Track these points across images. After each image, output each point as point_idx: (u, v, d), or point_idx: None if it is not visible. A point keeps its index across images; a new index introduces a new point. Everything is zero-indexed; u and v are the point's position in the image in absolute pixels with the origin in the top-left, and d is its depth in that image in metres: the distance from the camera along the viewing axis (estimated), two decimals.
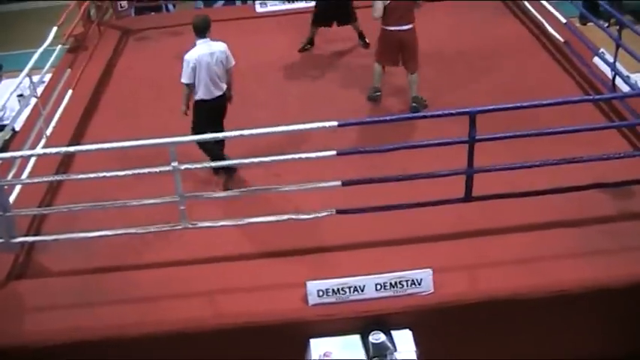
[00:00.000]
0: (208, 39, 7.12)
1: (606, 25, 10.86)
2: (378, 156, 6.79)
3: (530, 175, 6.59)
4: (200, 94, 7.15)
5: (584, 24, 11.53)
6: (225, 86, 7.26)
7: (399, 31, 8.22)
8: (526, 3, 10.41)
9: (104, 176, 6.26)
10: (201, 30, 7.10)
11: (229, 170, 7.21)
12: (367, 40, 9.83)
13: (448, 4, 11.16)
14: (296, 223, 6.38)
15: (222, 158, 7.06)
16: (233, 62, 7.26)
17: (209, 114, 7.22)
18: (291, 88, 9.24)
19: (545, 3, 9.84)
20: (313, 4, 11.12)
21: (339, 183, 6.39)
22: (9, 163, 7.05)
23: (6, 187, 6.40)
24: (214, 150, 7.17)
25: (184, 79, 7.12)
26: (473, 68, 9.22)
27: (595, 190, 6.60)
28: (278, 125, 6.32)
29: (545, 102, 6.62)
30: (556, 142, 6.72)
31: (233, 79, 7.39)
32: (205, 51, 7.04)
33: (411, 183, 6.47)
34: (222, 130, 7.13)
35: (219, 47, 7.12)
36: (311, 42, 10.01)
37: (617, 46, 7.92)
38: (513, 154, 6.71)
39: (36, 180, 7.05)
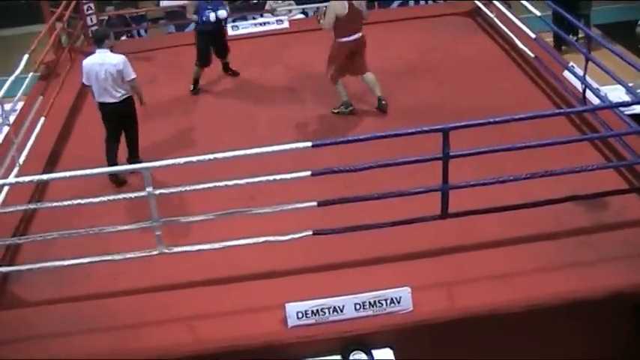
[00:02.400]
0: (107, 50, 7.58)
1: (574, 38, 11.00)
2: (353, 175, 6.78)
3: (505, 190, 6.61)
4: (95, 98, 7.78)
5: (560, 48, 11.64)
6: (120, 94, 7.65)
7: (356, 40, 8.59)
8: (495, 19, 10.50)
9: (78, 203, 6.20)
10: (98, 40, 7.67)
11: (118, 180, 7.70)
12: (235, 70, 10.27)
13: (418, 21, 11.28)
14: (273, 245, 6.36)
15: (114, 163, 7.69)
16: (131, 76, 7.62)
17: (108, 117, 7.81)
18: (258, 111, 9.24)
19: (514, 19, 9.93)
20: (286, 25, 11.23)
21: (314, 204, 6.38)
22: None
23: None
24: (108, 155, 7.80)
25: (83, 80, 7.83)
26: (445, 85, 9.28)
27: (570, 202, 6.65)
28: (250, 147, 6.31)
29: (517, 116, 6.65)
30: (530, 156, 6.76)
31: (138, 89, 7.81)
32: (97, 61, 7.57)
33: (387, 201, 6.48)
34: (131, 135, 7.93)
35: (111, 60, 7.53)
36: (197, 82, 9.98)
37: (587, 60, 8.00)
38: (488, 169, 6.74)
39: (9, 209, 6.96)
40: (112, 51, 7.67)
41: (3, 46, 14.38)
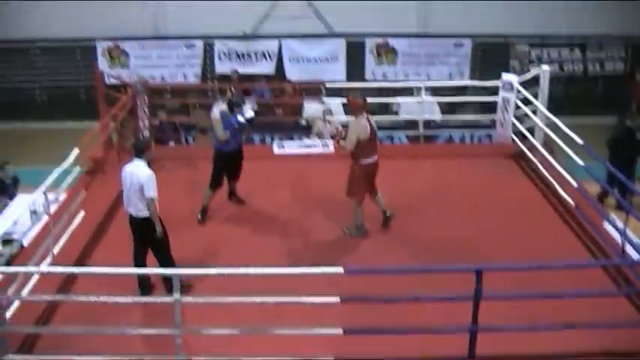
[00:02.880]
0: (142, 162, 7.50)
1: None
2: (381, 304, 6.72)
3: (535, 337, 6.46)
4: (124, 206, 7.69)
5: (603, 198, 11.59)
6: (138, 210, 7.45)
7: (377, 160, 8.71)
8: (538, 164, 10.57)
9: (104, 302, 6.21)
10: (137, 150, 7.59)
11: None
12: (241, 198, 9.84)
13: (462, 159, 11.40)
14: None
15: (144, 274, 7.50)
16: (150, 194, 7.37)
17: (132, 230, 7.64)
18: (295, 230, 9.27)
19: (556, 165, 9.98)
20: (331, 149, 11.38)
21: (340, 331, 6.30)
22: (11, 277, 7.01)
23: (4, 301, 6.36)
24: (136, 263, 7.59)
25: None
26: (482, 225, 9.25)
27: (602, 357, 6.45)
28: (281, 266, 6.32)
29: (553, 264, 6.61)
30: (563, 305, 6.64)
31: (154, 212, 7.41)
32: (130, 169, 7.51)
33: (414, 334, 6.37)
34: (157, 255, 7.59)
35: (139, 172, 7.42)
36: (206, 210, 9.45)
37: (627, 213, 7.96)
38: (519, 313, 6.62)
39: (35, 297, 7.00)
40: (149, 165, 7.56)
41: (58, 138, 14.78)
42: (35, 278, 7.35)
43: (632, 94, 18.93)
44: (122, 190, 7.62)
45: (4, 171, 12.40)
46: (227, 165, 9.31)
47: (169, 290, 7.08)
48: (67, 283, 7.72)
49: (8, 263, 7.69)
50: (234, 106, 9.04)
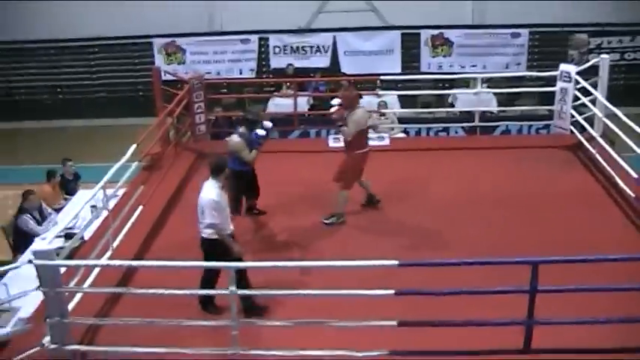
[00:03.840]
0: (214, 183, 7.09)
1: None
2: (436, 297, 6.70)
3: (593, 330, 6.37)
4: None
5: None
6: (202, 230, 7.07)
7: (368, 150, 9.07)
8: (597, 155, 10.38)
9: (162, 293, 6.33)
10: (212, 170, 7.17)
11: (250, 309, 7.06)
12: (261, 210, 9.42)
13: (519, 150, 11.26)
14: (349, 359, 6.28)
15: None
16: (207, 220, 6.98)
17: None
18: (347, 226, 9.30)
19: (616, 157, 9.79)
20: (387, 142, 11.35)
21: (394, 323, 6.31)
22: (73, 270, 7.19)
23: (67, 294, 6.53)
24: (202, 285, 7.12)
25: None
26: (539, 217, 9.14)
27: None
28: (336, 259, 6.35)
29: (611, 257, 6.49)
30: (621, 300, 6.53)
31: (223, 237, 7.01)
32: (203, 187, 7.16)
33: (470, 328, 6.34)
34: (213, 276, 7.10)
35: (205, 193, 7.06)
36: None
37: None
38: (575, 307, 6.52)
39: (96, 290, 7.17)
40: (222, 189, 7.16)
41: (117, 135, 15.10)
42: (96, 272, 7.51)
43: None
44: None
45: (66, 167, 12.74)
46: (242, 185, 8.90)
47: (245, 311, 6.94)
48: (127, 276, 7.88)
49: (70, 257, 7.87)
50: (251, 124, 8.85)
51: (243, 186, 8.94)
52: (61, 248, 7.68)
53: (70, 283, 6.92)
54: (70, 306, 6.75)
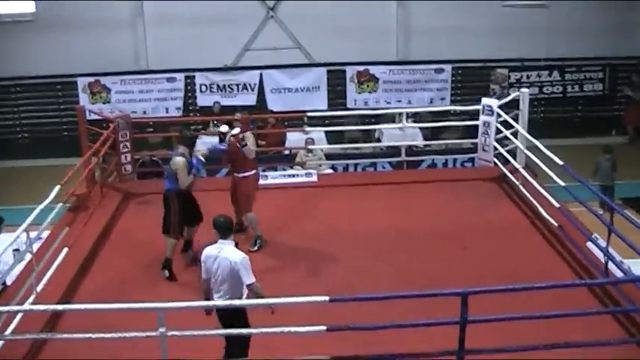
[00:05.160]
0: (229, 243, 6.61)
1: (600, 212, 11.06)
2: (369, 331, 6.71)
3: (522, 357, 6.46)
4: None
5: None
6: (228, 298, 6.51)
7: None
8: (521, 187, 10.63)
9: (89, 337, 6.16)
10: (221, 230, 6.64)
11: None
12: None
13: (445, 184, 11.46)
14: None
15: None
16: (249, 280, 6.41)
17: (219, 318, 6.58)
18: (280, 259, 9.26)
19: (539, 187, 10.04)
20: (314, 179, 11.40)
21: (327, 359, 6.28)
22: None
23: None
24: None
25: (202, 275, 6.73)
26: (467, 249, 9.29)
27: None
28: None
29: (538, 285, 6.64)
30: (550, 326, 6.66)
31: (261, 294, 6.48)
32: (212, 253, 6.59)
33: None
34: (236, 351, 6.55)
35: (229, 256, 6.47)
36: (170, 263, 8.75)
37: (610, 232, 8.00)
38: (505, 335, 6.62)
39: (19, 337, 6.93)
40: (236, 246, 6.73)
41: (38, 176, 14.79)
42: (19, 317, 7.27)
43: (625, 120, 19.15)
44: (205, 277, 6.69)
45: None
46: (186, 207, 8.82)
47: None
48: (53, 321, 7.66)
49: None
50: (189, 140, 9.23)
51: (188, 208, 8.84)
52: None
53: None
54: None
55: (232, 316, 6.46)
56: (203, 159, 8.94)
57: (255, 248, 9.20)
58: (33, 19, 18.15)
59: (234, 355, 6.52)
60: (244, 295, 6.57)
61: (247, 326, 6.48)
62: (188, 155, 8.84)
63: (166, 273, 8.70)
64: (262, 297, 6.45)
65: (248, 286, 6.42)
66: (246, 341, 6.55)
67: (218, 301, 6.56)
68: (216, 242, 6.64)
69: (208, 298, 6.72)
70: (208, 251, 6.61)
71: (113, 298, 7.27)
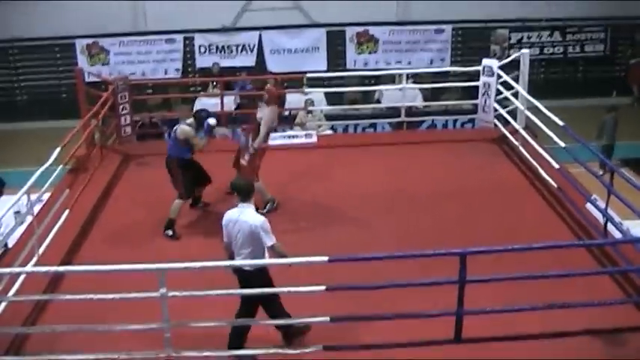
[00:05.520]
0: (249, 206, 6.58)
1: (600, 172, 11.08)
2: (368, 291, 6.77)
3: (521, 318, 6.52)
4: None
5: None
6: (246, 261, 6.48)
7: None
8: (521, 148, 10.62)
9: (91, 298, 6.21)
10: (242, 193, 6.61)
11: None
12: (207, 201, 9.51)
13: (444, 144, 11.45)
14: (283, 357, 6.28)
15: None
16: (270, 242, 6.42)
17: (239, 282, 6.58)
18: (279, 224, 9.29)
19: (539, 148, 10.04)
20: (314, 140, 11.38)
21: (327, 319, 6.34)
22: None
23: None
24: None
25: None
26: (466, 209, 9.31)
27: (588, 335, 6.53)
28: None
29: (536, 245, 6.67)
30: (548, 286, 6.71)
31: (284, 254, 6.49)
32: (232, 216, 6.57)
33: (401, 320, 6.42)
34: (254, 312, 6.51)
35: (248, 219, 6.46)
36: (173, 223, 8.92)
37: (609, 193, 8.02)
38: (504, 295, 6.67)
39: (21, 298, 6.98)
40: (257, 210, 6.75)
41: (38, 138, 14.77)
42: (21, 279, 7.32)
43: (630, 79, 19.02)
44: (226, 241, 6.67)
45: None
46: (192, 171, 9.10)
47: (285, 338, 6.60)
48: (54, 283, 7.71)
49: None
50: (202, 121, 8.94)
51: (189, 171, 9.03)
52: None
53: None
54: None
55: (255, 277, 6.44)
56: (214, 121, 9.00)
57: (265, 210, 9.08)
58: None
59: (273, 316, 6.53)
60: (267, 256, 6.57)
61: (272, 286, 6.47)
62: (195, 124, 8.96)
63: (169, 232, 8.83)
64: (285, 256, 6.48)
65: (269, 247, 6.44)
66: (276, 299, 6.52)
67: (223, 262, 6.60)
68: (236, 206, 6.64)
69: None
70: (229, 215, 6.62)
71: (114, 260, 7.29)
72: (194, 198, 9.43)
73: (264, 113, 9.08)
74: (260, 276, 6.44)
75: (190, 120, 9.06)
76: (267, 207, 9.23)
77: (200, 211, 9.46)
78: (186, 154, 8.98)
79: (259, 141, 9.03)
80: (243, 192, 6.62)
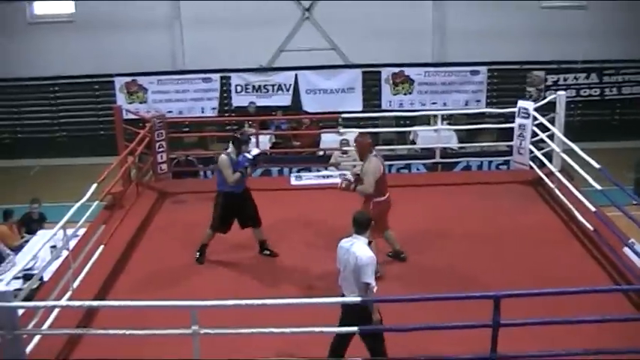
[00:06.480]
0: (361, 238, 6.59)
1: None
2: (399, 333, 6.71)
3: None
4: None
5: None
6: (351, 293, 6.44)
7: (389, 198, 8.62)
8: (556, 190, 10.53)
9: (123, 334, 6.23)
10: (358, 225, 6.65)
11: None
12: (273, 250, 9.25)
13: (480, 186, 11.39)
14: None
15: None
16: (367, 279, 6.34)
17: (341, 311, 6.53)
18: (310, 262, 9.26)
19: (574, 191, 9.94)
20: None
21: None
22: (31, 312, 7.05)
23: (25, 336, 6.40)
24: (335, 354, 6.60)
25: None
26: (501, 251, 9.22)
27: None
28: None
29: (572, 289, 6.56)
30: (583, 332, 6.59)
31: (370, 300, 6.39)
32: (345, 245, 6.63)
33: None
34: (347, 343, 6.51)
35: (357, 252, 6.43)
36: (204, 249, 9.12)
37: None
38: (539, 340, 6.57)
39: (54, 331, 7.03)
40: (370, 245, 6.69)
41: (76, 174, 15.01)
42: (55, 313, 7.38)
43: None
44: (338, 267, 6.73)
45: (34, 208, 12.60)
46: (234, 207, 8.95)
47: None
48: (88, 317, 7.76)
49: (29, 298, 7.73)
50: (241, 144, 8.84)
51: (226, 206, 8.90)
52: (20, 290, 7.54)
53: (28, 325, 6.78)
54: (29, 349, 6.61)
55: (358, 313, 6.37)
56: (250, 156, 8.83)
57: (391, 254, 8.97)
58: (72, 20, 18.42)
59: (376, 353, 6.48)
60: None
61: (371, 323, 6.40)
62: (234, 154, 8.83)
63: (197, 254, 9.07)
64: (370, 301, 6.36)
65: (364, 284, 6.37)
66: (381, 336, 6.50)
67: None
68: (350, 235, 6.68)
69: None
70: (342, 243, 6.70)
71: (148, 296, 7.34)
72: (259, 243, 9.25)
73: (365, 168, 8.51)
74: (364, 309, 6.36)
75: (230, 148, 8.91)
76: (400, 256, 8.94)
77: (253, 253, 9.28)
78: (223, 185, 8.84)
79: (364, 189, 8.45)
80: (359, 224, 6.65)
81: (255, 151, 9.03)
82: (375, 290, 6.40)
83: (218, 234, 9.09)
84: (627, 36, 18.11)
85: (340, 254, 6.62)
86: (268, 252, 9.24)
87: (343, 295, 6.53)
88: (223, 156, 8.83)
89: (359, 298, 6.30)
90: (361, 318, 6.31)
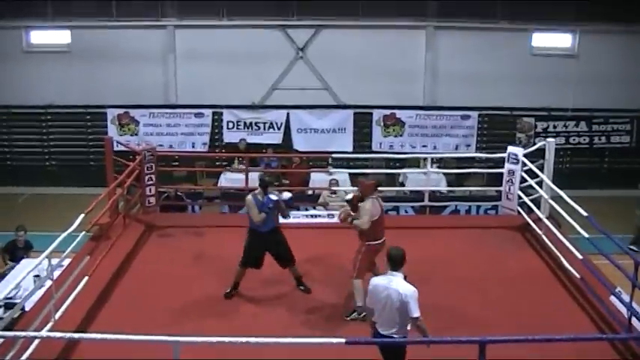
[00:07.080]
0: (399, 275, 6.72)
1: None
2: None
3: None
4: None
5: None
6: (393, 330, 6.63)
7: (384, 241, 8.52)
8: (543, 237, 10.54)
9: None
10: (393, 262, 6.80)
11: None
12: (307, 286, 9.39)
13: (467, 230, 11.39)
14: None
15: None
16: (415, 314, 6.53)
17: (380, 350, 6.66)
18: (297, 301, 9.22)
19: (562, 238, 9.95)
20: (336, 220, 11.35)
21: None
22: (10, 342, 6.96)
23: None
24: None
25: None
26: (487, 297, 9.19)
27: None
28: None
29: (558, 337, 6.54)
30: None
31: (424, 330, 6.60)
32: (383, 282, 6.73)
33: None
34: None
35: (399, 288, 6.60)
36: (236, 286, 9.20)
37: (634, 286, 7.89)
38: None
39: None
40: (405, 279, 6.76)
41: (66, 203, 14.94)
42: (35, 343, 7.28)
43: None
44: (371, 307, 6.87)
45: (19, 236, 12.49)
46: (260, 245, 9.07)
47: None
48: (68, 350, 7.65)
49: (9, 328, 7.63)
50: (266, 186, 9.00)
51: (254, 244, 9.07)
52: (0, 318, 7.44)
53: (7, 356, 6.69)
54: None
55: (395, 350, 6.57)
56: (275, 198, 8.95)
57: (348, 318, 8.67)
58: (68, 50, 18.50)
59: None
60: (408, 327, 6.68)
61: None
62: (261, 196, 8.96)
63: (227, 290, 9.12)
64: (425, 331, 6.56)
65: (414, 318, 6.51)
66: None
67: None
68: (384, 274, 6.78)
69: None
70: (377, 281, 6.78)
71: (130, 329, 7.24)
72: (295, 278, 9.38)
73: (362, 206, 8.55)
74: (399, 349, 6.53)
75: (258, 190, 9.06)
76: (354, 314, 8.65)
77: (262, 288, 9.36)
78: (251, 223, 9.01)
79: (360, 224, 8.46)
80: (394, 261, 6.75)
81: (286, 195, 9.17)
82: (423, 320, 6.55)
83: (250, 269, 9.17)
84: (617, 85, 18.32)
85: (377, 292, 6.68)
86: (303, 287, 9.36)
87: (378, 333, 6.65)
88: (249, 197, 9.03)
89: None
90: (401, 352, 6.52)
